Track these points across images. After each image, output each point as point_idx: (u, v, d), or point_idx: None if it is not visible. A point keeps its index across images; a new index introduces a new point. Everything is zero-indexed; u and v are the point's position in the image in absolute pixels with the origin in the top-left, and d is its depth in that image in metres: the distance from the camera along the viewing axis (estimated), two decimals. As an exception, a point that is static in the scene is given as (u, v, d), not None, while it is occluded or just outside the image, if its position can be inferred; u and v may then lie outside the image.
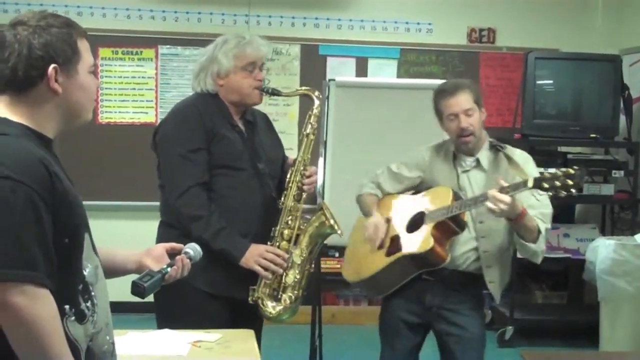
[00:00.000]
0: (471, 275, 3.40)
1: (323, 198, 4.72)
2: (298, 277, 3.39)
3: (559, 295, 6.52)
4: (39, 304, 1.75)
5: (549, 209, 3.34)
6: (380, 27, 6.63)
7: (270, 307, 3.34)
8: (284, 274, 3.36)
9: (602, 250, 5.56)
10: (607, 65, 6.09)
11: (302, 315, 5.44)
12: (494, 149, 3.46)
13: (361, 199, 3.67)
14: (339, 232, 3.44)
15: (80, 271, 1.90)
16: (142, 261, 2.30)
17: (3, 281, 1.73)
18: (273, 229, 3.36)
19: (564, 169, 3.03)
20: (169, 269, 2.28)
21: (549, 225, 3.31)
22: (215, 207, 3.28)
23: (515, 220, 3.15)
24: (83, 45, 1.97)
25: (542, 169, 3.38)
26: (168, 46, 6.45)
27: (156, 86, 6.46)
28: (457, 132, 3.38)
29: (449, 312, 3.42)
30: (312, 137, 3.45)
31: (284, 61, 6.48)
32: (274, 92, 3.44)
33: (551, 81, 6.18)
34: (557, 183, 2.99)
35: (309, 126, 3.45)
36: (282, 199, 3.39)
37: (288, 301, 3.37)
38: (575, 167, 3.02)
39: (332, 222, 3.40)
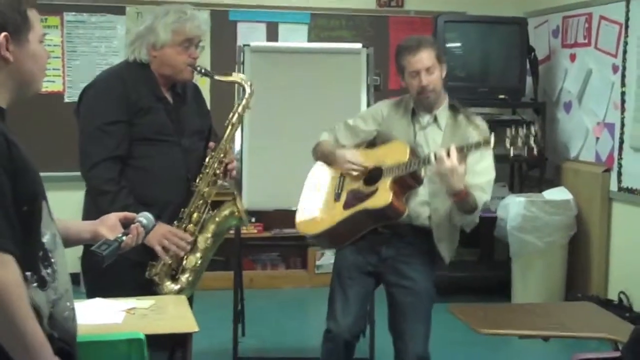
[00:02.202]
0: (425, 230, 3.47)
1: (241, 164, 4.72)
2: (199, 262, 3.37)
3: (471, 252, 6.66)
4: (5, 270, 1.74)
5: (491, 175, 3.43)
6: (291, -8, 6.62)
7: (166, 286, 3.30)
8: (186, 256, 3.33)
9: (513, 208, 5.74)
10: (514, 27, 6.23)
11: (221, 280, 5.51)
12: (453, 108, 3.53)
13: (319, 146, 3.68)
14: (247, 225, 3.44)
15: (40, 239, 1.90)
16: (97, 230, 2.30)
17: None
18: (182, 209, 3.34)
19: (524, 129, 3.07)
20: (124, 238, 2.29)
21: (488, 197, 3.39)
22: (134, 178, 3.26)
23: (457, 196, 3.22)
24: (33, 15, 1.96)
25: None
26: (74, 13, 6.30)
27: (62, 54, 6.31)
28: (418, 89, 3.44)
29: (401, 264, 3.49)
30: (237, 126, 3.43)
31: (193, 27, 6.38)
32: (206, 74, 3.40)
33: (460, 44, 6.29)
34: (519, 143, 3.05)
35: (236, 115, 3.42)
36: (197, 181, 3.36)
37: (185, 282, 3.34)
38: (535, 127, 3.08)
39: (242, 214, 3.40)
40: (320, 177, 3.69)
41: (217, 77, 3.50)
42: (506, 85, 6.19)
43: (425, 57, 3.41)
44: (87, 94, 3.33)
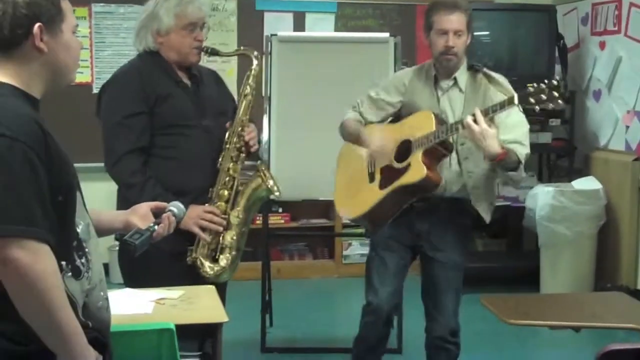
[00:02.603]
0: (458, 201, 3.47)
1: (269, 155, 4.73)
2: (235, 237, 3.38)
3: (498, 242, 6.65)
4: (41, 259, 1.75)
5: (526, 127, 3.39)
6: (317, -19, 6.59)
7: (208, 268, 3.32)
8: (222, 234, 3.35)
9: (542, 197, 5.70)
10: (542, 15, 6.17)
11: (249, 271, 5.51)
12: (472, 69, 3.51)
13: (345, 124, 3.65)
14: (276, 193, 3.44)
15: (74, 228, 1.92)
16: (129, 220, 2.32)
17: (4, 237, 1.73)
18: (210, 189, 3.35)
19: (546, 81, 3.03)
20: (156, 227, 2.31)
21: (528, 150, 3.35)
22: (162, 168, 3.27)
23: (497, 158, 3.16)
24: (66, 6, 1.97)
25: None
26: (102, 4, 6.33)
27: (91, 45, 6.33)
28: (442, 49, 3.42)
29: (435, 237, 3.52)
30: (250, 97, 3.43)
31: (220, 17, 6.40)
32: (213, 52, 3.42)
33: (487, 32, 6.23)
34: (543, 96, 3.01)
35: (247, 87, 3.43)
36: (220, 159, 3.37)
37: (225, 262, 3.35)
38: (557, 78, 3.03)
39: (269, 184, 3.40)
40: (352, 157, 3.65)
41: (223, 53, 3.56)
42: (535, 73, 6.11)
43: (456, 20, 3.40)
44: (105, 92, 3.36)
